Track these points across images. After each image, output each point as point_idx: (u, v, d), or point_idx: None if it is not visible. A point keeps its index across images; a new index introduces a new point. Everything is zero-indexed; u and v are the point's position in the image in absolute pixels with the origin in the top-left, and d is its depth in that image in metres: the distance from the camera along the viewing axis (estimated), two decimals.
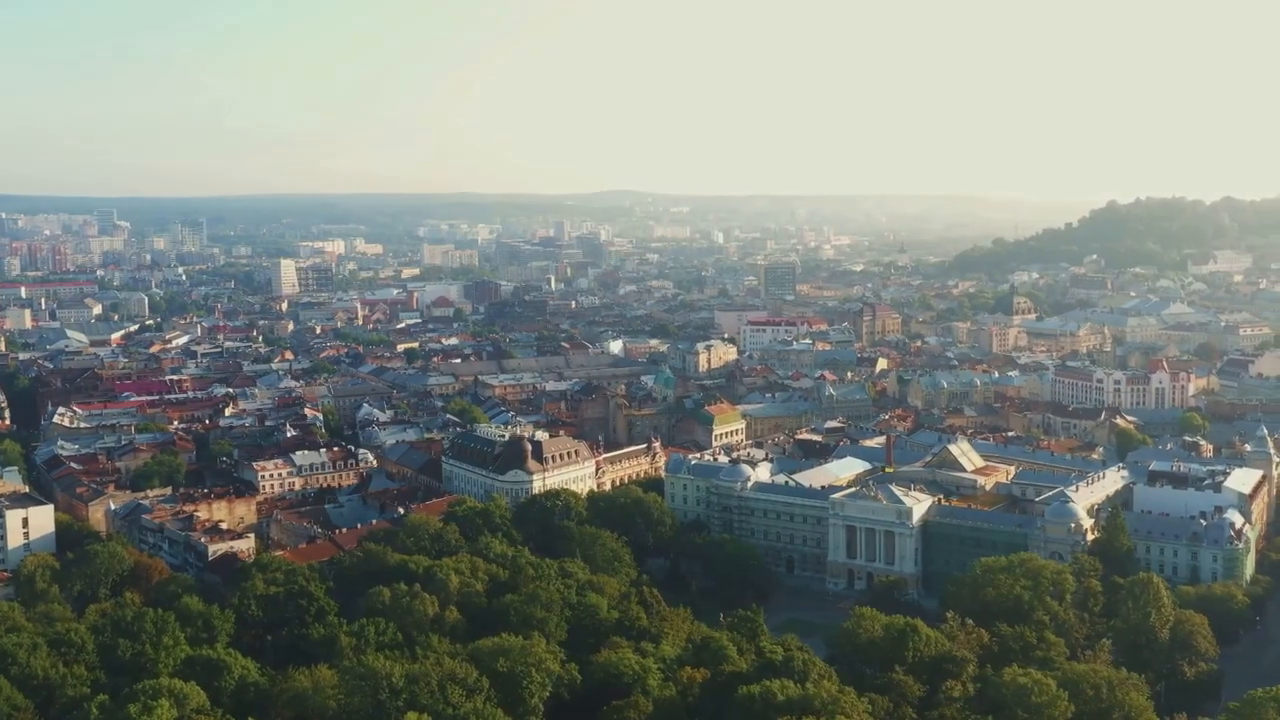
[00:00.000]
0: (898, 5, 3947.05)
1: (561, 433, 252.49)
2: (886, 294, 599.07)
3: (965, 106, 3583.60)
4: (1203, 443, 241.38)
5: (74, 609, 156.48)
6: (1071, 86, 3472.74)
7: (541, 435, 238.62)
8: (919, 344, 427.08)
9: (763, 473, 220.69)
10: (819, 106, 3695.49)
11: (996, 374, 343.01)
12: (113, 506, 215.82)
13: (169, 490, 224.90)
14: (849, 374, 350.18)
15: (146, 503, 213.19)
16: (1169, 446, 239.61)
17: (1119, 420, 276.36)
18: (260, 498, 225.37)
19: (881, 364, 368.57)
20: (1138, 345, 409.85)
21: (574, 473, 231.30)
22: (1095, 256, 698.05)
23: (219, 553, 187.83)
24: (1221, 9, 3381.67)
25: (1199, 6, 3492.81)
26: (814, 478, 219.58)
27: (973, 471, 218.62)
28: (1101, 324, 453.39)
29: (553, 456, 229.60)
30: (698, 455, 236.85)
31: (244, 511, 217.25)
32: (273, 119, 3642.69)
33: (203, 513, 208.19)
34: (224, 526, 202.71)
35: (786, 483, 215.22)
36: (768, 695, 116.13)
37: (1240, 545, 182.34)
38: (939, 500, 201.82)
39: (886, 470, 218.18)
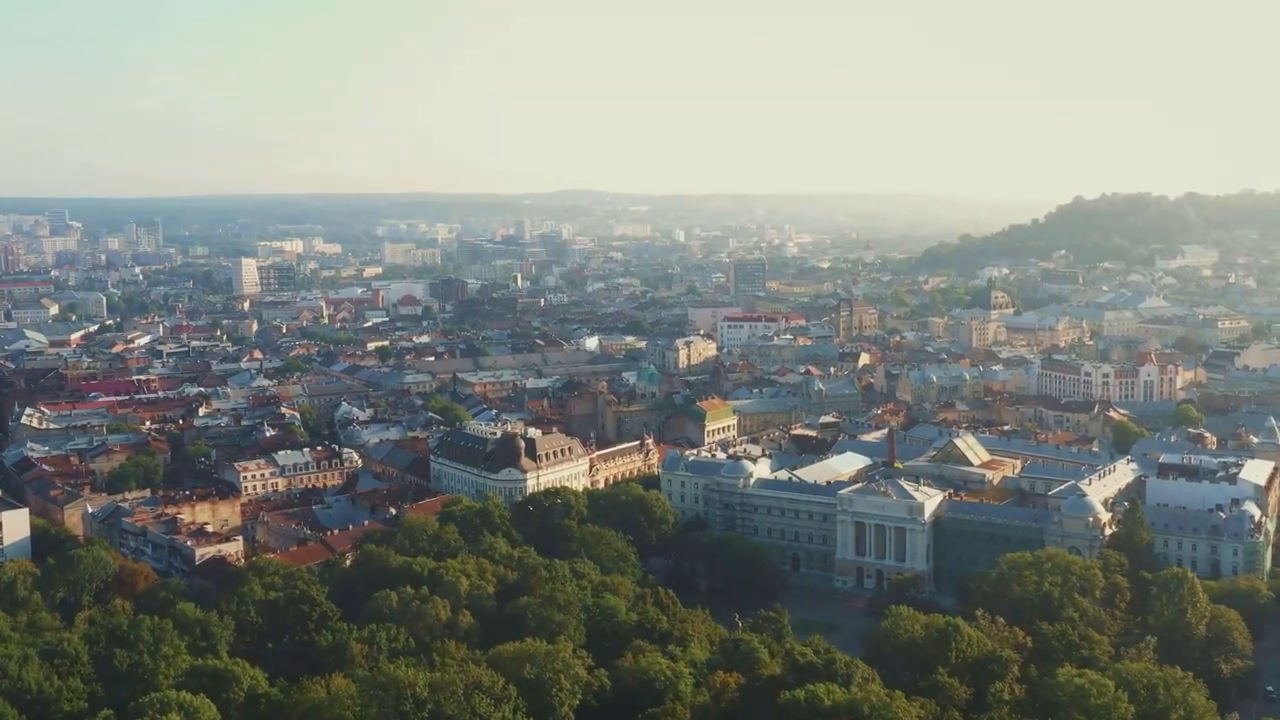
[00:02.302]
0: (850, 7, 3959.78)
1: (555, 430, 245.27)
2: (857, 290, 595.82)
3: (920, 106, 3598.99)
4: (1207, 435, 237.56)
5: (59, 617, 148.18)
6: (1024, 87, 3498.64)
7: (534, 432, 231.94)
8: (898, 339, 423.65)
9: (763, 469, 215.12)
10: (775, 107, 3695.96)
11: (980, 368, 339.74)
12: (90, 509, 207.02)
13: (147, 492, 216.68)
14: (831, 369, 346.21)
15: (126, 505, 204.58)
16: (1173, 439, 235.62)
17: (1113, 413, 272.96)
18: (244, 499, 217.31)
19: (864, 359, 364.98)
20: (1119, 339, 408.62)
21: (568, 470, 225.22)
22: (1064, 252, 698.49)
23: (206, 556, 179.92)
24: (1170, 8, 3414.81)
25: (1146, 6, 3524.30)
26: (815, 473, 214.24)
27: (979, 466, 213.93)
28: (1079, 318, 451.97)
29: (546, 454, 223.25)
30: (694, 452, 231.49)
31: (228, 513, 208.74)
32: (226, 120, 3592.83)
33: (185, 515, 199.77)
34: (209, 529, 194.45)
35: (790, 479, 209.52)
36: (814, 701, 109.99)
37: (1261, 538, 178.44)
38: (949, 495, 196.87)
39: (896, 465, 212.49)
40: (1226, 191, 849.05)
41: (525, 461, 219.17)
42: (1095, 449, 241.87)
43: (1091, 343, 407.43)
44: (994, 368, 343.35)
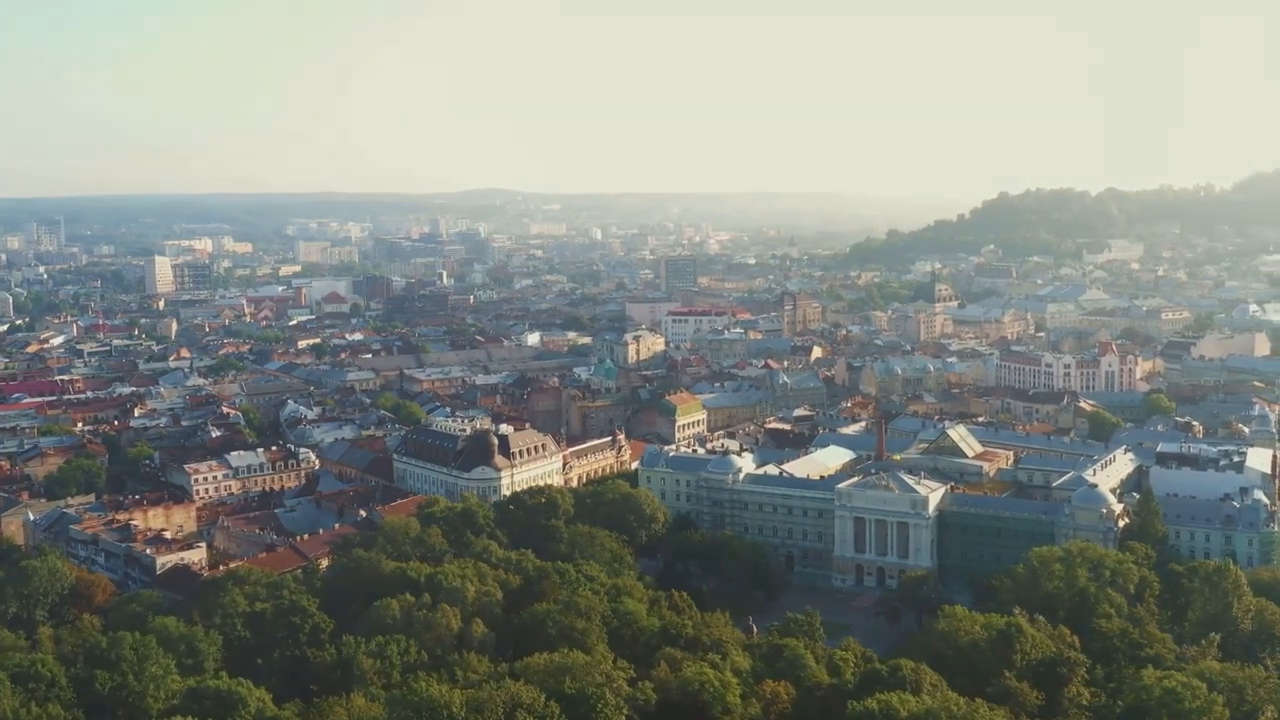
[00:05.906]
0: (755, 5, 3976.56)
1: (527, 426, 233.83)
2: (791, 285, 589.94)
3: (827, 106, 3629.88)
4: (1195, 424, 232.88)
5: (24, 635, 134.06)
6: (931, 86, 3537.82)
7: (506, 429, 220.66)
8: (844, 333, 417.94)
9: (748, 464, 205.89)
10: (682, 106, 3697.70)
11: (941, 361, 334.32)
12: (31, 517, 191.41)
13: (92, 497, 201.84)
14: (784, 362, 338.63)
15: (72, 511, 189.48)
16: (1160, 428, 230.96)
17: (1084, 404, 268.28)
18: (198, 503, 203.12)
19: (816, 352, 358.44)
20: (1066, 331, 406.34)
21: (542, 468, 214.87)
22: (992, 246, 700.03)
23: (168, 565, 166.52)
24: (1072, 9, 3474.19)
25: (1042, 8, 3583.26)
26: (801, 468, 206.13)
27: (974, 457, 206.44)
28: (1023, 310, 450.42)
29: (520, 451, 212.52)
30: (673, 447, 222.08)
31: (182, 518, 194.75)
32: (134, 121, 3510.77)
33: (137, 521, 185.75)
34: (166, 535, 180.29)
35: (780, 473, 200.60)
36: (889, 711, 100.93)
37: (1275, 528, 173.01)
38: (950, 488, 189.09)
39: (895, 458, 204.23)
40: (1144, 187, 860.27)
41: (499, 459, 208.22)
42: (1074, 439, 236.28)
43: (1041, 335, 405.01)
44: (949, 360, 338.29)
